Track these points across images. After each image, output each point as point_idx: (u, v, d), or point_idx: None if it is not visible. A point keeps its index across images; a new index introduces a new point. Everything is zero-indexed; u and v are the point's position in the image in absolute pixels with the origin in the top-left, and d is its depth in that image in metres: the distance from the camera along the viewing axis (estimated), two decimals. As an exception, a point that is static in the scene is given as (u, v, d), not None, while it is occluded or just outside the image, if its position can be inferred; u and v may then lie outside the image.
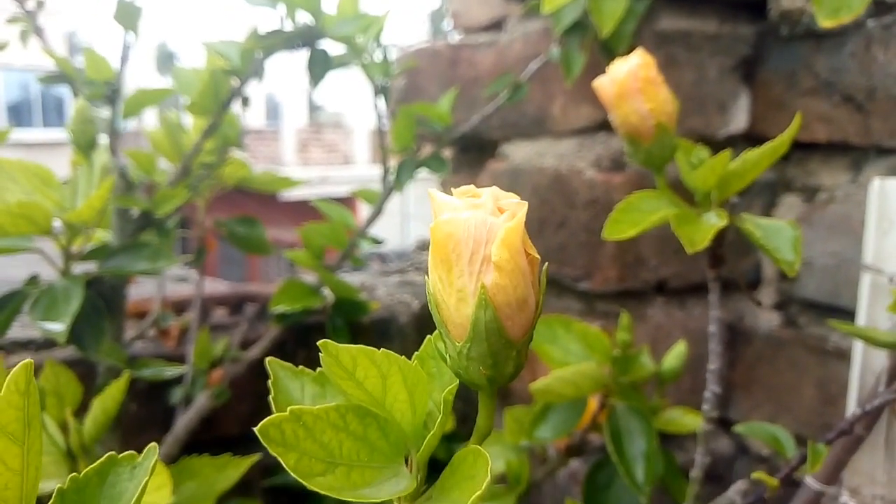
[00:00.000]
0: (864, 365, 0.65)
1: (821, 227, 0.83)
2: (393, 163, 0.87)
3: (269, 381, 0.32)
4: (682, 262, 0.87)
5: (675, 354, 0.68)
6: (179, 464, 0.61)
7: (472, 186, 0.26)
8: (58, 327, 0.55)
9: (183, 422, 0.74)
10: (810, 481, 0.60)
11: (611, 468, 0.65)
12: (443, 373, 0.30)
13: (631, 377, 0.64)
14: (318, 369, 0.31)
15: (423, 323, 0.98)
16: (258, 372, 0.86)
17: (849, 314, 0.78)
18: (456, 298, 0.25)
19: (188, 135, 0.81)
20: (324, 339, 0.25)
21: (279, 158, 9.99)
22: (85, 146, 0.59)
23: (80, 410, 0.62)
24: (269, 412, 0.83)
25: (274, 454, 0.25)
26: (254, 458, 0.61)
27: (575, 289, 0.87)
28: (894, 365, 0.60)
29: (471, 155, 1.06)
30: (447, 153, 0.98)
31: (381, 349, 0.27)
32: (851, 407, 0.65)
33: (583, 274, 0.85)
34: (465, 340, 0.26)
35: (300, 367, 0.32)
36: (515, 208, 0.24)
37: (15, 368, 0.21)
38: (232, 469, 0.59)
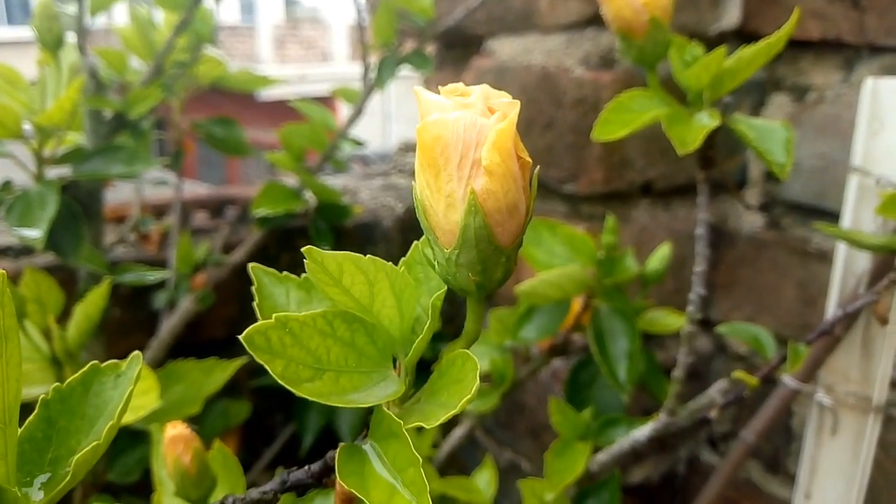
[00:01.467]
0: (846, 267, 0.66)
1: (809, 127, 0.82)
2: (373, 59, 0.84)
3: (253, 288, 0.31)
4: (668, 164, 0.86)
5: (659, 256, 0.68)
6: (166, 368, 0.61)
7: (460, 84, 0.24)
8: (35, 234, 0.53)
9: (167, 326, 0.74)
10: (788, 380, 0.62)
11: (593, 367, 0.66)
12: (430, 278, 0.29)
13: (615, 279, 0.64)
14: (303, 275, 0.30)
15: (408, 227, 0.98)
16: (241, 275, 0.86)
17: (833, 216, 0.79)
18: (444, 204, 0.24)
19: (160, 31, 0.78)
20: (308, 245, 0.24)
21: (255, 56, 9.68)
22: (51, 44, 0.56)
23: (63, 317, 0.62)
24: (253, 315, 0.83)
25: (260, 361, 0.24)
26: (240, 361, 0.61)
27: (560, 191, 0.86)
28: (876, 267, 0.60)
29: (455, 51, 1.02)
30: (430, 49, 0.95)
31: (368, 255, 0.26)
32: (832, 308, 0.66)
33: (569, 176, 0.84)
34: (453, 247, 0.25)
35: (284, 272, 0.32)
36: (507, 108, 0.23)
37: (-14, 278, 0.20)
38: (219, 372, 0.60)
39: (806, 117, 0.82)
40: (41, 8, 0.56)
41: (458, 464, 0.91)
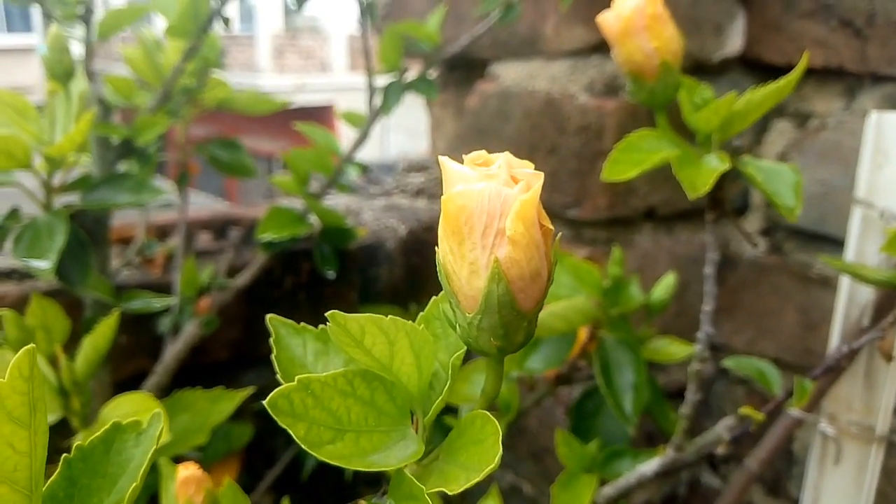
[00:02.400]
0: (850, 297, 0.66)
1: (811, 154, 0.82)
2: (378, 83, 0.85)
3: (271, 339, 0.31)
4: (671, 189, 0.86)
5: (664, 286, 0.68)
6: (172, 397, 0.61)
7: (483, 153, 0.25)
8: (44, 265, 0.53)
9: (172, 351, 0.74)
10: (792, 411, 0.62)
11: (598, 397, 0.66)
12: (448, 334, 0.29)
13: (620, 309, 0.65)
14: (321, 326, 0.31)
15: (410, 249, 0.98)
16: (246, 298, 0.86)
17: (834, 242, 0.79)
18: (468, 271, 0.24)
19: (166, 54, 0.78)
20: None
21: (254, 65, 9.70)
22: (62, 76, 0.56)
23: (69, 342, 0.62)
24: (257, 338, 0.83)
25: (283, 426, 0.25)
26: (247, 391, 0.61)
27: (564, 216, 0.87)
28: (880, 300, 0.61)
29: (458, 73, 1.03)
30: (434, 74, 0.95)
31: (390, 316, 0.26)
32: (835, 337, 0.67)
33: (573, 201, 0.84)
34: (475, 312, 0.25)
35: (302, 323, 0.32)
36: (531, 179, 0.24)
37: (18, 354, 0.21)
38: (225, 402, 0.60)
39: (808, 144, 0.82)
40: (52, 41, 0.57)
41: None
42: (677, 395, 0.96)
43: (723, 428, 0.50)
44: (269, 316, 0.32)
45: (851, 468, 0.68)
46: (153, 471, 0.57)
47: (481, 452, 0.26)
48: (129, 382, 0.77)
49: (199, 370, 0.81)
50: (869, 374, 0.65)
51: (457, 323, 0.26)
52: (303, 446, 0.24)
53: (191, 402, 0.60)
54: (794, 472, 0.87)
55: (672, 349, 0.69)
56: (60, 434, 0.63)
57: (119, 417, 0.57)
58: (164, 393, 0.72)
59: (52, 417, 0.57)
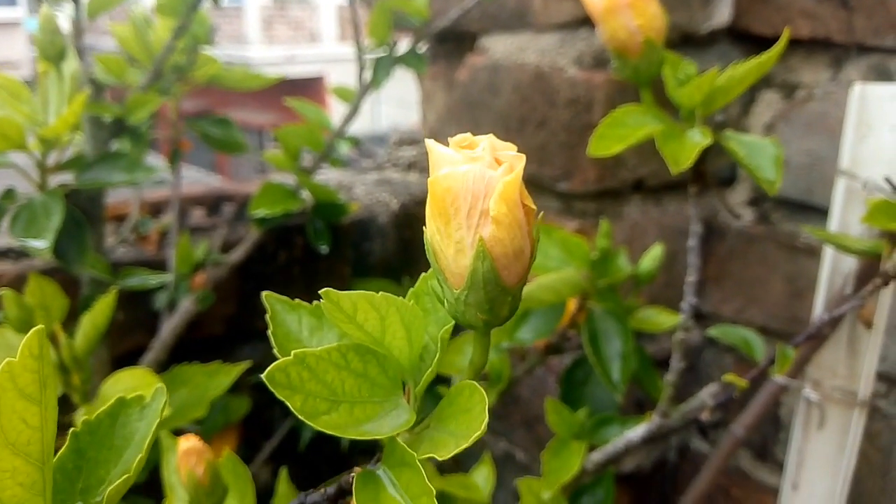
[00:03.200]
0: (833, 266, 0.67)
1: (798, 124, 0.83)
2: (368, 57, 0.85)
3: (267, 316, 0.32)
4: (659, 162, 0.87)
5: (652, 257, 0.70)
6: (171, 372, 0.62)
7: (468, 135, 0.26)
8: (41, 244, 0.54)
9: (169, 327, 0.75)
10: (776, 377, 0.64)
11: (587, 366, 0.68)
12: (437, 308, 0.31)
13: (608, 280, 0.66)
14: (315, 302, 0.32)
15: (402, 222, 0.99)
16: (240, 274, 0.87)
17: (820, 212, 0.80)
18: (454, 249, 0.26)
19: (156, 31, 0.78)
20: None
21: (243, 37, 9.59)
22: (54, 57, 0.57)
23: (67, 319, 0.63)
24: (252, 313, 0.84)
25: (281, 398, 0.26)
26: (244, 365, 0.63)
27: (553, 189, 0.88)
28: (862, 269, 0.62)
29: (448, 46, 1.03)
30: (424, 47, 0.95)
31: (381, 293, 0.27)
32: (819, 305, 0.68)
33: (562, 174, 0.85)
34: (462, 288, 0.26)
35: (296, 300, 0.33)
36: (513, 161, 0.25)
37: (29, 334, 0.22)
38: (223, 376, 0.61)
39: (795, 114, 0.83)
40: (44, 22, 0.57)
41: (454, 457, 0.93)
42: (666, 363, 0.98)
43: (707, 395, 0.52)
44: (264, 293, 0.33)
45: (835, 432, 0.70)
46: (154, 444, 0.58)
47: (469, 420, 0.27)
48: (127, 358, 0.78)
49: (195, 345, 0.82)
50: (852, 341, 0.67)
51: (445, 298, 0.28)
52: (300, 417, 0.26)
53: (189, 376, 0.62)
54: (781, 436, 0.89)
55: (659, 319, 0.71)
56: (61, 410, 0.64)
57: (119, 393, 0.58)
58: (161, 368, 0.74)
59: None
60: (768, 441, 0.90)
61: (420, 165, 1.13)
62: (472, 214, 0.25)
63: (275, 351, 0.31)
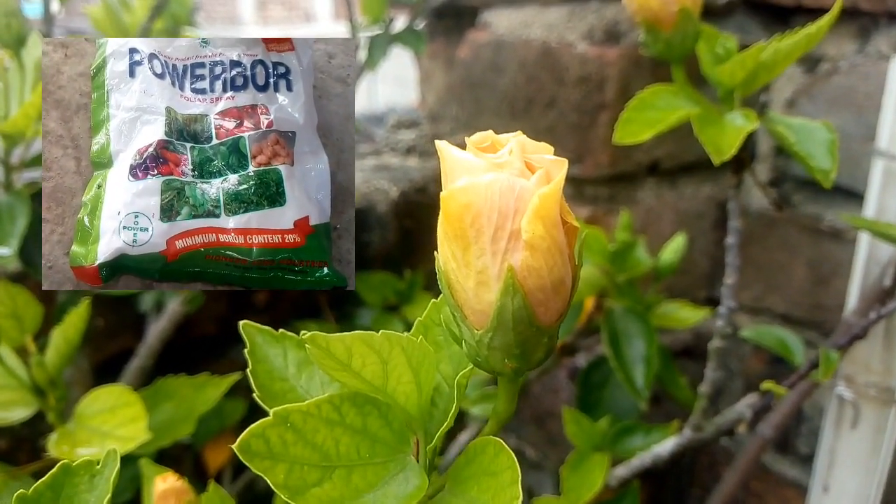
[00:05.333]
0: (869, 255, 0.62)
1: (821, 100, 0.78)
2: (363, 36, 0.79)
3: (245, 350, 0.27)
4: (676, 141, 0.82)
5: (673, 248, 0.64)
6: (154, 385, 0.57)
7: (490, 133, 0.20)
8: (5, 251, 0.49)
9: (155, 331, 0.70)
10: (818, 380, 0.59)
11: (605, 368, 0.63)
12: (450, 341, 0.25)
13: (628, 275, 0.61)
14: (303, 332, 0.26)
15: (402, 211, 0.93)
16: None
17: (846, 192, 0.75)
18: (475, 281, 0.20)
19: (133, 12, 0.72)
20: (312, 333, 0.20)
21: (237, 18, 9.44)
22: (12, 42, 0.51)
23: (44, 328, 0.58)
24: (244, 312, 0.78)
25: (257, 472, 0.20)
26: (233, 377, 0.57)
27: (564, 173, 0.82)
28: (906, 258, 0.57)
29: (447, 22, 0.97)
30: (422, 24, 0.89)
31: (382, 332, 0.22)
32: (854, 295, 0.63)
33: (573, 158, 0.80)
34: (486, 329, 0.21)
35: (281, 330, 0.27)
36: (551, 167, 0.19)
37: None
38: (211, 389, 0.56)
39: (818, 89, 0.77)
40: (-2, 3, 0.51)
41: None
42: (682, 354, 0.93)
43: (744, 406, 0.47)
44: (242, 323, 0.27)
45: (869, 431, 0.66)
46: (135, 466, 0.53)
47: (496, 487, 0.22)
48: (112, 362, 0.73)
49: (187, 344, 0.78)
50: (888, 335, 0.62)
51: (463, 339, 0.22)
52: (282, 496, 0.20)
53: (174, 389, 0.56)
54: (803, 429, 0.85)
55: (682, 314, 0.66)
56: (38, 429, 0.59)
57: (97, 412, 0.53)
58: (148, 375, 0.69)
59: (26, 412, 0.54)
60: (790, 434, 0.86)
61: (420, 149, 1.07)
62: (498, 237, 0.19)
63: (255, 395, 0.26)
